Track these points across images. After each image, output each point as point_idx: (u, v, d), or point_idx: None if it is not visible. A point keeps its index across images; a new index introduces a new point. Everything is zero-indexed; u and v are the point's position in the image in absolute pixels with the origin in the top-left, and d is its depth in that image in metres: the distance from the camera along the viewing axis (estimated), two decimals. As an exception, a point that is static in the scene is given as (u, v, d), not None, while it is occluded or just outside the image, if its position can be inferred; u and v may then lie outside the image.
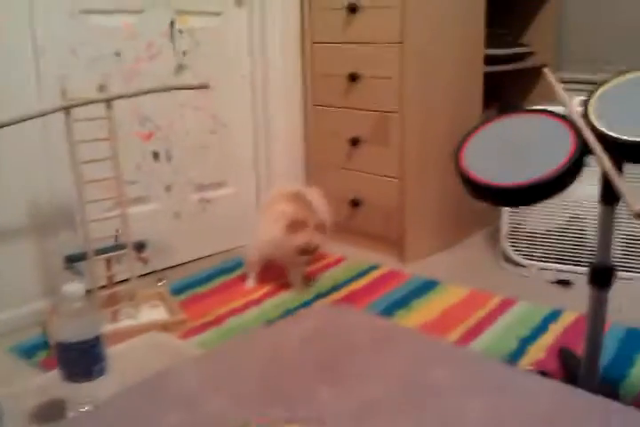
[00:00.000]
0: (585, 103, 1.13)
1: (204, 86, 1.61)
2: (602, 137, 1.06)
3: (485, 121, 1.19)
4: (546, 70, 1.24)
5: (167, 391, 0.71)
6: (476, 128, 1.18)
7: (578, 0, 2.76)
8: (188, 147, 2.22)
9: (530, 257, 2.21)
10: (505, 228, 2.23)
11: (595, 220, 2.11)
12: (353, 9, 2.19)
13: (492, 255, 2.32)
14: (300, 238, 1.86)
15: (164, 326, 1.72)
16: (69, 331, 0.88)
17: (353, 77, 2.25)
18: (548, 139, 1.11)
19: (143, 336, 1.16)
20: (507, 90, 2.88)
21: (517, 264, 2.22)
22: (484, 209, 2.60)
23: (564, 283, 2.07)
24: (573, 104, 1.14)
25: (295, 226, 1.86)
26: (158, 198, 2.19)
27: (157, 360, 1.22)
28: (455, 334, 1.73)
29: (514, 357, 1.61)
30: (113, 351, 0.94)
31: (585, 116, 1.11)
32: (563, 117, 1.13)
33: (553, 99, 2.77)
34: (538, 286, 2.08)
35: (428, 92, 2.21)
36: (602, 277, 1.25)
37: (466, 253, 2.38)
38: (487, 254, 2.34)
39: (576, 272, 2.13)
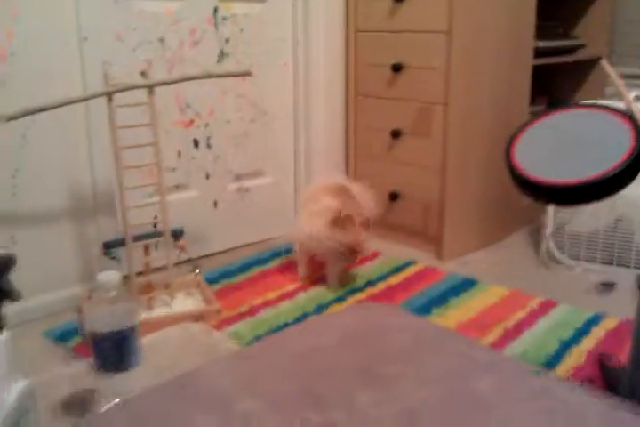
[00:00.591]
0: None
1: (246, 74, 1.59)
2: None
3: (538, 115, 1.13)
4: (604, 63, 1.18)
5: (199, 390, 0.69)
6: (528, 122, 1.12)
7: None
8: (228, 135, 2.21)
9: (574, 257, 2.14)
10: (550, 226, 2.17)
11: (645, 221, 2.04)
12: (400, -3, 2.14)
13: (534, 254, 2.26)
14: (348, 236, 1.79)
15: (199, 316, 1.71)
16: (104, 321, 0.87)
17: (397, 68, 2.20)
18: (605, 135, 1.06)
19: (177, 327, 1.15)
20: (556, 84, 2.80)
21: (561, 264, 2.16)
22: (527, 206, 2.53)
23: (609, 285, 2.00)
24: (633, 99, 1.07)
25: (340, 222, 1.79)
26: (197, 186, 2.18)
27: (191, 352, 1.20)
28: (493, 335, 1.68)
29: (553, 360, 1.55)
30: (147, 341, 0.93)
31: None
32: (621, 113, 1.07)
33: (603, 94, 2.67)
34: (581, 287, 2.01)
35: (474, 84, 2.15)
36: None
37: (507, 251, 2.32)
38: (529, 253, 2.28)
39: (622, 274, 2.06)
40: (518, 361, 0.75)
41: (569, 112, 1.12)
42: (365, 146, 2.41)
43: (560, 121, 1.12)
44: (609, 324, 1.73)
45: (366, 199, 1.89)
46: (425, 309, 1.82)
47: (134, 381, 0.87)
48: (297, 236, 1.95)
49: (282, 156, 2.39)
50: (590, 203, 1.04)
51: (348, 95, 2.41)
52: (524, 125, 1.13)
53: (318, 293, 1.94)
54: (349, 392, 0.65)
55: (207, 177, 2.20)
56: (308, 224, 1.87)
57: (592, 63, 2.75)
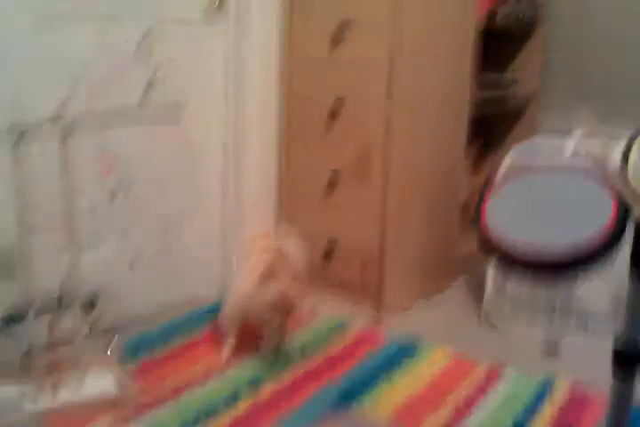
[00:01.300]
0: (624, 154, 0.98)
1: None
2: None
3: (505, 176, 1.04)
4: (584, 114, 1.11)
5: None
6: (491, 183, 1.03)
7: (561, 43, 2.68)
8: (152, 176, 2.00)
9: (514, 320, 2.07)
10: (489, 289, 2.09)
11: (586, 282, 1.99)
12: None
13: (475, 311, 2.17)
14: (273, 290, 1.65)
15: (113, 402, 1.48)
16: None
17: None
18: (580, 197, 0.97)
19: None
20: (490, 125, 2.76)
21: (501, 327, 2.07)
22: (466, 254, 2.47)
23: (552, 349, 1.93)
24: (611, 155, 0.99)
25: (270, 276, 1.64)
26: (113, 242, 1.94)
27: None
28: (445, 412, 1.55)
29: (512, 442, 1.43)
30: None
31: (623, 169, 0.96)
32: (594, 177, 0.99)
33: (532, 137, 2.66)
34: (523, 350, 1.93)
35: (415, 128, 2.08)
36: (629, 362, 1.09)
37: (447, 305, 2.22)
38: (470, 309, 2.19)
39: (565, 336, 2.00)
40: None
41: (538, 173, 1.04)
42: (301, 188, 2.27)
43: (530, 184, 1.03)
44: (561, 390, 1.64)
45: (297, 253, 1.74)
46: (368, 383, 1.67)
47: None
48: (231, 298, 1.78)
49: (209, 198, 2.19)
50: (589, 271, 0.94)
51: (283, 131, 2.27)
52: (488, 186, 1.03)
53: (250, 366, 1.74)
54: None
55: (124, 232, 1.96)
56: (239, 284, 1.73)
57: (525, 104, 2.72)
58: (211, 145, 2.16)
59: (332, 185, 2.17)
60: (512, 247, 0.95)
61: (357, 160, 2.08)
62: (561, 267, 0.91)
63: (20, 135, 1.30)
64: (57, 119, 1.36)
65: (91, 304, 1.57)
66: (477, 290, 2.27)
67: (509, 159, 1.11)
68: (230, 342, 1.79)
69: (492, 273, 2.07)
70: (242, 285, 1.71)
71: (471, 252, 2.50)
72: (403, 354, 1.84)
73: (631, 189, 0.95)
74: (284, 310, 1.68)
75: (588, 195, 0.98)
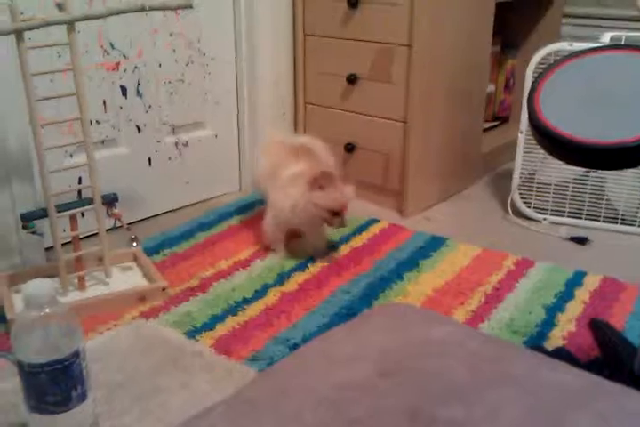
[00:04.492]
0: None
1: (187, 6, 1.30)
2: None
3: (562, 59, 0.94)
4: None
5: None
6: (551, 68, 0.93)
7: None
8: (160, 80, 1.91)
9: (542, 211, 2.02)
10: (516, 178, 2.02)
11: (615, 171, 1.92)
12: None
13: (498, 206, 2.12)
14: (332, 197, 1.56)
15: (142, 295, 1.48)
16: (35, 348, 0.63)
17: (353, 3, 1.94)
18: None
19: (126, 327, 0.92)
20: (509, 23, 2.61)
21: (528, 218, 2.03)
22: (492, 151, 2.39)
23: (581, 240, 1.89)
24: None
25: (319, 182, 1.56)
26: (128, 141, 1.89)
27: (149, 361, 0.99)
28: (474, 302, 1.54)
29: (543, 328, 1.43)
30: (90, 348, 0.69)
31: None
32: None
33: (559, 35, 2.50)
34: (552, 242, 1.89)
35: (439, 24, 1.92)
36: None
37: (471, 203, 2.17)
38: (495, 205, 2.14)
39: (593, 228, 1.96)
40: (613, 384, 0.57)
41: (600, 55, 0.93)
42: (318, 92, 2.16)
43: (589, 67, 0.93)
44: (592, 283, 1.62)
45: (329, 155, 1.67)
46: (396, 274, 1.66)
47: (83, 418, 0.65)
48: (271, 215, 1.70)
49: (222, 105, 2.11)
50: (629, 167, 0.87)
51: (297, 34, 2.14)
52: (546, 72, 0.93)
53: (275, 260, 1.73)
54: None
55: (139, 130, 1.91)
56: (282, 197, 1.63)
57: (547, 2, 2.57)
58: (221, 53, 2.04)
59: (350, 88, 2.05)
60: (578, 139, 0.87)
61: (378, 62, 1.95)
62: (627, 154, 0.83)
63: (24, 24, 1.19)
64: (62, 8, 1.24)
65: (112, 200, 1.53)
66: (503, 186, 2.21)
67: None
68: (281, 252, 1.75)
69: (519, 162, 1.99)
70: (285, 199, 1.62)
71: (497, 149, 2.42)
72: (430, 247, 1.81)
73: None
74: (335, 215, 1.59)
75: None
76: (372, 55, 1.97)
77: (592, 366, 1.27)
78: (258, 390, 0.57)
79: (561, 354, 1.31)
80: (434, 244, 1.83)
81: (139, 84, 1.87)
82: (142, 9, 1.25)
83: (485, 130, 2.48)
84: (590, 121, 0.85)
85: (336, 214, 1.58)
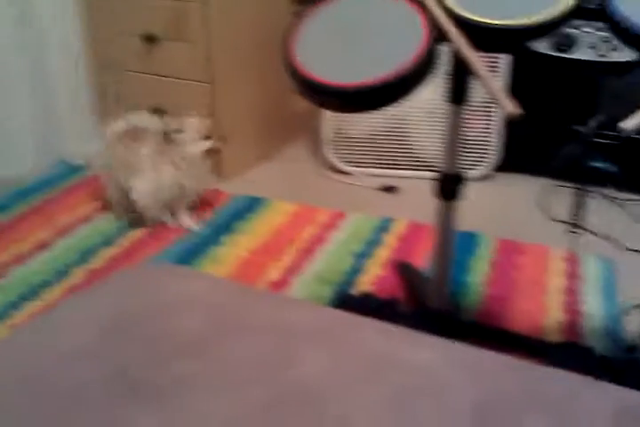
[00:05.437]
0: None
1: None
2: (458, 21, 0.86)
3: (317, 2, 0.93)
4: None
5: None
6: (303, 12, 0.92)
7: None
8: None
9: (354, 164, 2.07)
10: (326, 133, 2.05)
11: (419, 121, 2.01)
12: None
13: (315, 164, 2.15)
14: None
15: None
16: None
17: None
18: (394, 25, 0.89)
19: None
20: None
21: (341, 172, 2.08)
22: (306, 111, 2.39)
23: (390, 189, 1.97)
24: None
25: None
26: None
27: None
28: (289, 256, 1.55)
29: (350, 275, 1.47)
30: None
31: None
32: (409, -2, 0.91)
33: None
34: (364, 194, 1.95)
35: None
36: (449, 187, 1.11)
37: (288, 163, 2.18)
38: (311, 163, 2.16)
39: (401, 176, 2.04)
40: (354, 318, 0.58)
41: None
42: (114, 54, 2.02)
43: (343, 9, 0.93)
44: (398, 228, 1.69)
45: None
46: (212, 238, 1.63)
47: None
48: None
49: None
50: (385, 106, 0.89)
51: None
52: (301, 16, 0.92)
53: (89, 231, 1.63)
54: (121, 419, 0.43)
55: None
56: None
57: None
58: None
59: (147, 48, 1.95)
60: (325, 81, 0.87)
61: (173, 20, 1.86)
62: (370, 95, 0.85)
63: None
64: None
65: None
66: (317, 147, 2.23)
67: None
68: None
69: (328, 118, 2.02)
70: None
71: (309, 109, 2.43)
72: (248, 209, 1.80)
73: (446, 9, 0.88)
74: None
75: (401, 16, 0.90)
76: (166, 13, 1.87)
77: (391, 305, 1.33)
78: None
79: (366, 298, 1.36)
80: (251, 205, 1.82)
81: None
82: None
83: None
84: (339, 63, 0.85)
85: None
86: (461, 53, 0.83)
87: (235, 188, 1.95)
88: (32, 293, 1.38)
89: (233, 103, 1.98)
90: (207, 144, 1.73)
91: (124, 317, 0.54)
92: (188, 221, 1.69)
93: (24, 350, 0.51)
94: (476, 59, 0.80)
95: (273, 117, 2.20)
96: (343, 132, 2.05)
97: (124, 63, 2.01)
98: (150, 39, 1.92)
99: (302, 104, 2.39)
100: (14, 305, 1.34)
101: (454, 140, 1.06)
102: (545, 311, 1.35)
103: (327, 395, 0.49)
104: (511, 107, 0.73)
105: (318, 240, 1.63)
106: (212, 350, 0.51)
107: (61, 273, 1.46)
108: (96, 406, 0.47)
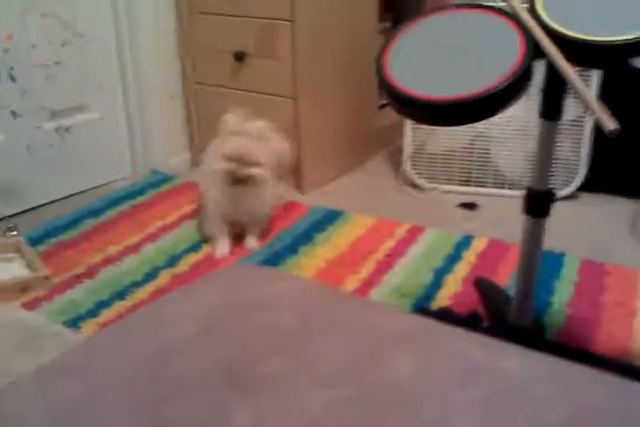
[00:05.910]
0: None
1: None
2: (555, 37, 0.86)
3: (409, 21, 0.95)
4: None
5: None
6: (398, 30, 0.94)
7: None
8: (34, 63, 1.82)
9: (432, 180, 2.07)
10: (407, 149, 2.06)
11: (500, 137, 1.99)
12: None
13: (394, 179, 2.16)
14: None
15: (23, 286, 1.42)
16: None
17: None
18: (489, 41, 0.90)
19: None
20: (400, 2, 2.62)
21: (421, 188, 2.08)
22: (387, 127, 2.41)
23: (470, 206, 1.96)
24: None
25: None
26: (2, 128, 1.80)
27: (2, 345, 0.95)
28: (366, 269, 1.56)
29: (430, 289, 1.47)
30: None
31: (532, 10, 0.90)
32: (505, 13, 0.92)
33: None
34: (443, 210, 1.95)
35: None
36: (539, 203, 1.10)
37: (367, 177, 2.20)
38: (390, 178, 2.18)
39: (481, 194, 2.02)
40: (440, 325, 0.59)
41: (444, 15, 0.95)
42: (206, 70, 2.12)
43: (435, 26, 0.95)
44: (479, 245, 1.68)
45: (282, 141, 1.68)
46: (291, 249, 1.66)
47: None
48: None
49: (105, 86, 2.04)
50: (477, 120, 0.90)
51: (181, 10, 2.07)
52: (395, 33, 0.94)
53: (168, 242, 1.70)
54: (218, 411, 0.46)
55: (14, 116, 1.82)
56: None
57: None
58: (99, 33, 1.97)
59: (238, 66, 2.02)
60: (416, 92, 0.88)
61: (263, 38, 1.93)
62: (462, 109, 0.86)
63: None
64: None
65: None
66: (396, 162, 2.24)
67: None
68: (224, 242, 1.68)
69: (409, 134, 2.03)
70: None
71: (393, 124, 2.45)
72: (326, 221, 1.82)
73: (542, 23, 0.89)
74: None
75: (496, 32, 0.91)
76: (257, 31, 1.94)
77: (471, 320, 1.32)
78: (72, 355, 0.55)
79: (444, 313, 1.35)
80: (330, 217, 1.85)
81: (11, 68, 1.77)
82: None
83: (382, 106, 2.50)
84: (432, 77, 0.87)
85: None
86: (558, 69, 0.83)
87: (314, 200, 1.98)
88: (121, 293, 1.45)
89: (315, 118, 2.02)
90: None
91: (222, 312, 0.57)
92: (253, 243, 1.70)
93: (129, 341, 0.55)
94: (574, 75, 0.80)
95: (354, 133, 2.23)
96: (424, 148, 2.05)
97: (217, 79, 2.09)
98: (240, 57, 1.99)
99: (384, 120, 2.42)
100: (104, 304, 1.40)
101: (546, 156, 1.05)
102: (633, 335, 1.31)
103: (420, 396, 0.50)
104: (611, 123, 0.73)
105: (398, 254, 1.64)
106: (304, 348, 0.53)
107: (149, 275, 1.53)
108: (195, 398, 0.50)
